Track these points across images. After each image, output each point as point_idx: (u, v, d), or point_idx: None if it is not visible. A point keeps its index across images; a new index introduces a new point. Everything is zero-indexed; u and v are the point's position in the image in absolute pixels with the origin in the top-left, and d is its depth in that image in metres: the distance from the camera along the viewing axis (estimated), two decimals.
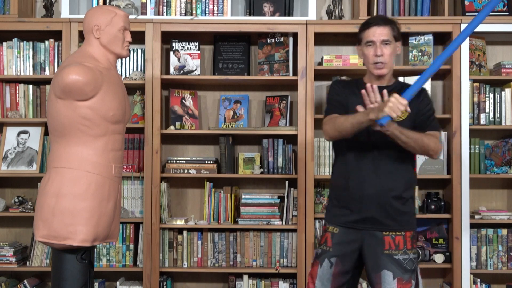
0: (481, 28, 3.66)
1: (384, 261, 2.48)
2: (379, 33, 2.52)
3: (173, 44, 3.75)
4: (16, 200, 3.74)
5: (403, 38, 3.75)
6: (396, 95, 2.28)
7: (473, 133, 3.70)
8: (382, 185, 2.50)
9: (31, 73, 3.71)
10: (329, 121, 2.54)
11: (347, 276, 2.56)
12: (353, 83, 2.71)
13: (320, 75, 3.79)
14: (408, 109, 2.32)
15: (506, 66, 3.72)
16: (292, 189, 3.69)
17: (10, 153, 3.71)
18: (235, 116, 3.84)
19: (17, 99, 3.72)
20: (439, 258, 3.67)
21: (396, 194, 2.51)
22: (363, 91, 2.39)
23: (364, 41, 2.56)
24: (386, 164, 2.52)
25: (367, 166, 2.52)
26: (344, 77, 3.74)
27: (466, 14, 3.75)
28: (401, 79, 3.74)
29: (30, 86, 3.71)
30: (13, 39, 3.69)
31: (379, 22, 2.55)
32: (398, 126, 2.39)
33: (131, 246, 3.69)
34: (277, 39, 3.80)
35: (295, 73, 3.72)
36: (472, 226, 3.65)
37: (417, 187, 3.68)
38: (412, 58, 3.76)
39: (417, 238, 2.56)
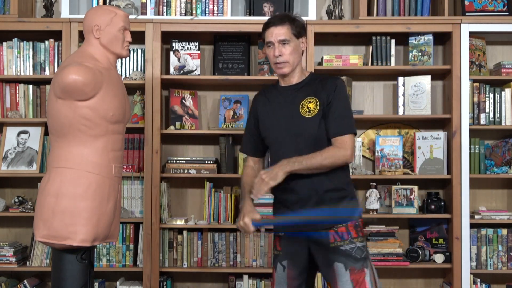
0: (481, 28, 3.67)
1: (333, 254, 2.45)
2: (276, 33, 2.50)
3: (173, 44, 3.75)
4: (16, 200, 3.74)
5: (403, 38, 3.79)
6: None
7: (473, 133, 3.69)
8: (312, 181, 2.47)
9: (31, 73, 3.71)
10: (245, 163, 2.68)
11: (301, 278, 2.54)
12: (267, 89, 2.67)
13: (320, 75, 3.78)
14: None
15: (506, 66, 3.72)
16: None
17: (10, 153, 3.71)
18: (235, 116, 3.84)
19: (17, 99, 3.72)
20: (439, 258, 3.67)
21: (327, 188, 2.47)
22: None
23: (265, 42, 2.56)
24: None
25: None
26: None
27: (466, 14, 3.75)
28: (401, 79, 3.75)
29: (30, 86, 3.71)
30: (13, 39, 3.70)
31: (275, 22, 2.52)
32: (288, 164, 2.39)
33: (131, 246, 3.69)
34: None
35: None
36: (472, 226, 3.65)
37: (417, 187, 3.69)
38: (412, 58, 3.76)
39: (362, 226, 2.53)
